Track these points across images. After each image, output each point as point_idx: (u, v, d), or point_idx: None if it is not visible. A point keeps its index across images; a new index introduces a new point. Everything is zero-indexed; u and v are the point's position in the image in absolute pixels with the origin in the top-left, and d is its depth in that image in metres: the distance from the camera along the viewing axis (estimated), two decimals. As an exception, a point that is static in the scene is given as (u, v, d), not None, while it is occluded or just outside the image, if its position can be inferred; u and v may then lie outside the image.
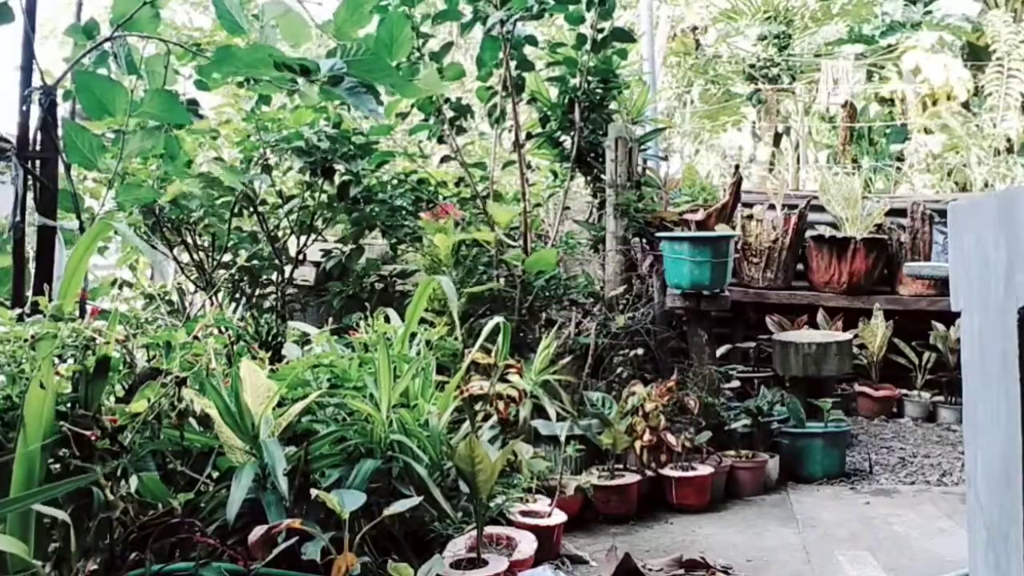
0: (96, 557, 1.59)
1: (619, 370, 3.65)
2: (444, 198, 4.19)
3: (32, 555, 1.49)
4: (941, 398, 5.03)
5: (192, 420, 1.91)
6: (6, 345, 1.65)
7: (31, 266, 2.37)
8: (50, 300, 1.81)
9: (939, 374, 5.07)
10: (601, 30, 4.06)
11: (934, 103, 9.46)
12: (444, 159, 4.53)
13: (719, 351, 4.49)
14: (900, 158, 9.75)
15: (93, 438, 1.57)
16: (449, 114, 4.14)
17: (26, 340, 1.62)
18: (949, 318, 4.84)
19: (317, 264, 4.31)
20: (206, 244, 4.11)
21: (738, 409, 3.72)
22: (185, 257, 4.08)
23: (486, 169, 4.37)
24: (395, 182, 4.21)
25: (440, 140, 4.22)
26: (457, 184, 4.42)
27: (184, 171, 3.17)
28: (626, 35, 4.16)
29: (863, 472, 3.76)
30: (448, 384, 2.48)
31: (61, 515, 1.47)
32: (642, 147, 4.59)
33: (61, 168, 2.45)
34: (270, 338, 3.00)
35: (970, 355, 0.85)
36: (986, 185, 8.42)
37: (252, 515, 1.79)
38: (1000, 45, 9.20)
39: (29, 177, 2.32)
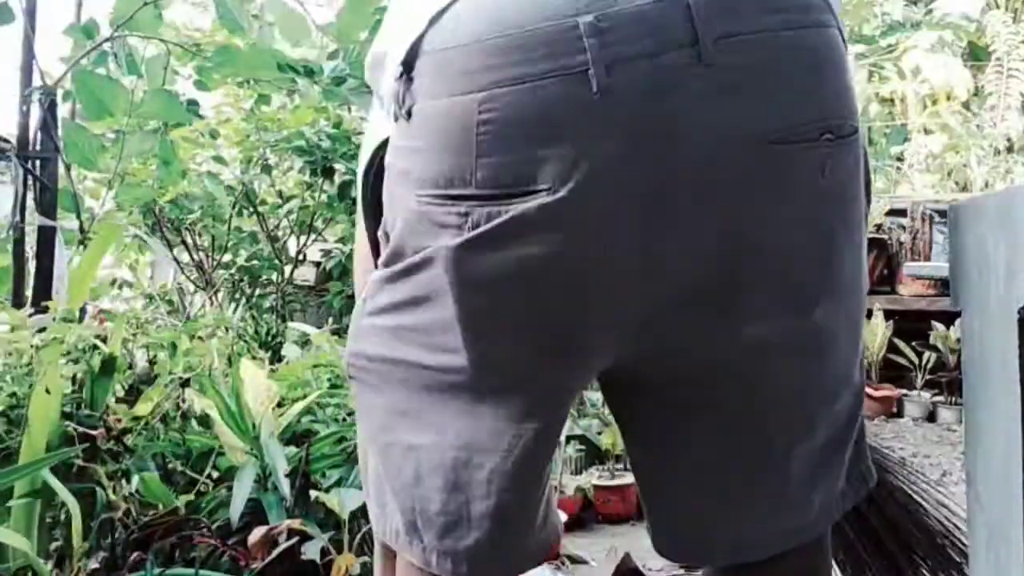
0: (98, 556, 1.59)
1: (619, 370, 3.64)
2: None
3: (35, 552, 1.49)
4: (941, 398, 5.01)
5: (193, 420, 1.91)
6: (15, 345, 1.65)
7: (31, 266, 2.37)
8: (49, 300, 1.81)
9: (939, 374, 5.05)
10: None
11: (934, 103, 9.47)
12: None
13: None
14: (900, 158, 9.75)
15: (99, 438, 1.58)
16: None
17: (33, 346, 1.63)
18: (949, 318, 4.83)
19: (317, 264, 4.31)
20: (206, 244, 4.11)
21: (738, 409, 3.71)
22: (185, 257, 4.08)
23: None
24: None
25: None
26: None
27: (178, 178, 3.17)
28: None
29: (863, 472, 3.76)
30: (448, 384, 2.47)
31: (71, 499, 1.47)
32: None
33: (61, 168, 2.45)
34: (270, 338, 3.00)
35: (970, 355, 0.85)
36: (986, 185, 8.41)
37: (253, 515, 1.79)
38: (999, 45, 9.20)
39: (29, 177, 2.32)
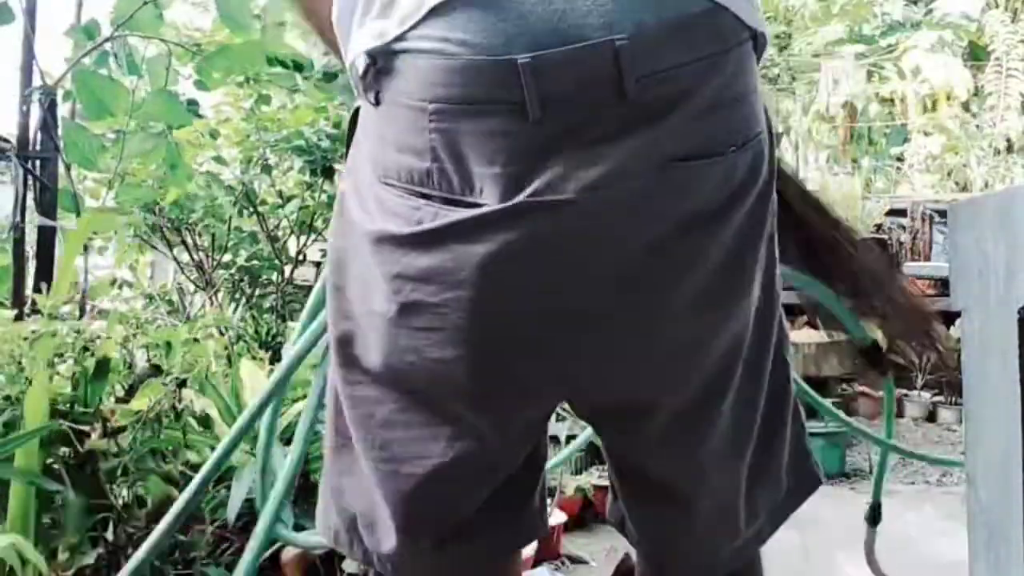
0: (94, 554, 1.59)
1: (619, 370, 3.64)
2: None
3: (32, 548, 1.49)
4: (941, 398, 5.03)
5: (192, 420, 1.91)
6: (5, 345, 1.65)
7: (31, 266, 2.37)
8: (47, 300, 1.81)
9: (939, 374, 5.07)
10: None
11: (934, 103, 9.47)
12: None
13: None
14: (900, 158, 9.75)
15: (92, 435, 1.58)
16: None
17: (25, 339, 1.62)
18: (949, 318, 4.83)
19: (317, 264, 4.31)
20: (206, 244, 4.11)
21: (738, 409, 3.71)
22: (185, 257, 4.08)
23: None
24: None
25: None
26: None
27: (185, 182, 3.17)
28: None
29: (863, 472, 3.76)
30: (448, 384, 2.47)
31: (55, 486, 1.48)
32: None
33: (61, 168, 2.45)
34: (270, 338, 3.00)
35: (970, 355, 0.85)
36: (986, 185, 8.42)
37: (252, 515, 1.79)
38: (998, 45, 9.21)
39: (29, 177, 2.32)
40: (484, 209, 0.70)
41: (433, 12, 0.71)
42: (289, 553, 1.59)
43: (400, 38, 0.72)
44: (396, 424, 0.78)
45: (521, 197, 0.70)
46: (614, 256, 0.72)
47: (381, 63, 0.74)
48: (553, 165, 0.69)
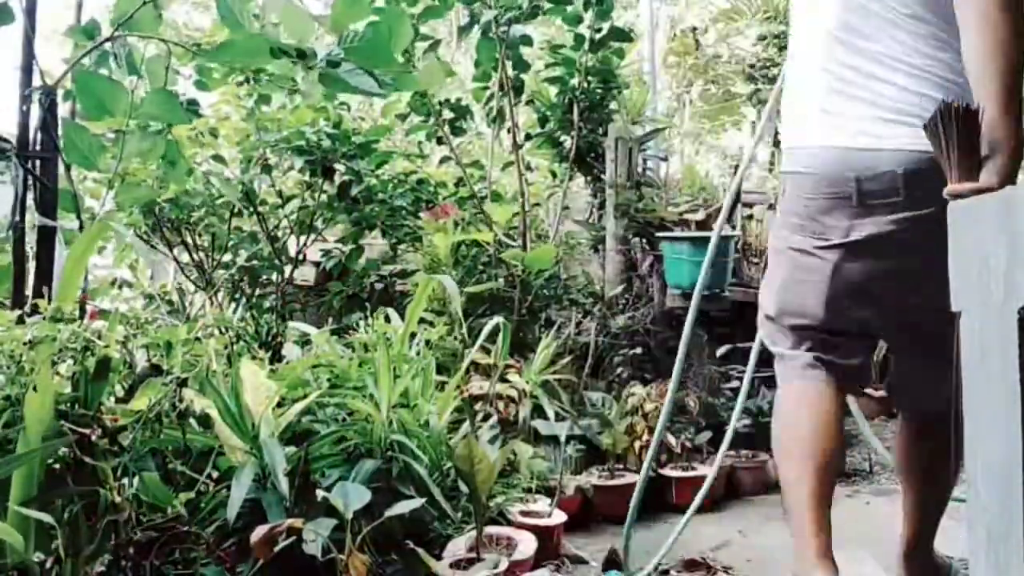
0: (103, 558, 1.59)
1: (619, 370, 3.65)
2: (444, 198, 4.20)
3: (31, 550, 1.49)
4: (941, 398, 5.02)
5: (192, 420, 1.91)
6: (6, 346, 1.65)
7: (31, 266, 2.37)
8: (49, 301, 1.80)
9: (939, 374, 5.05)
10: (599, 30, 4.05)
11: (934, 103, 9.46)
12: (443, 160, 4.53)
13: (719, 351, 4.49)
14: (900, 158, 9.72)
15: (93, 436, 1.57)
16: (448, 115, 4.14)
17: (26, 343, 1.62)
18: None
19: (317, 264, 4.31)
20: (206, 244, 4.11)
21: (738, 409, 3.71)
22: (185, 257, 4.08)
23: (484, 169, 4.37)
24: (395, 182, 4.21)
25: (439, 141, 4.22)
26: (456, 184, 4.42)
27: (184, 178, 3.17)
28: (624, 34, 4.16)
29: (863, 472, 3.76)
30: (448, 384, 2.48)
31: (47, 517, 1.49)
32: (642, 147, 4.59)
33: (61, 168, 2.45)
34: (270, 338, 3.00)
35: (970, 355, 0.85)
36: (986, 185, 8.39)
37: (252, 515, 1.79)
38: (1000, 45, 9.18)
39: (29, 177, 2.32)
40: (834, 241, 1.72)
41: (797, 148, 1.79)
42: (259, 532, 1.59)
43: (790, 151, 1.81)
44: None
45: (846, 239, 1.70)
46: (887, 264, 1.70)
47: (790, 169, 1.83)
48: (862, 223, 1.68)
